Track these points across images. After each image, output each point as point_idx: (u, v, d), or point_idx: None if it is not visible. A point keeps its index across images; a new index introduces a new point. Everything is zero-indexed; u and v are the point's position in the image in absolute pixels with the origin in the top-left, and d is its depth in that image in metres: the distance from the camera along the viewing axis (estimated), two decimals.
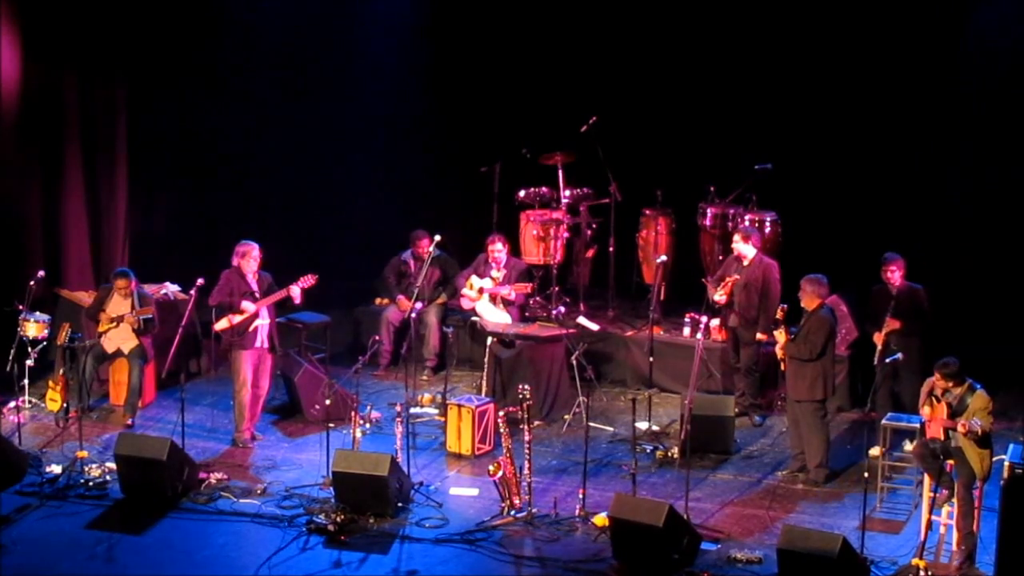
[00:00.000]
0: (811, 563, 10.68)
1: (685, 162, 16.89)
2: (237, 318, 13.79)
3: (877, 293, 13.90)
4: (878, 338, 13.58)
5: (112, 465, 12.87)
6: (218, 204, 18.17)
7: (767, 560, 11.32)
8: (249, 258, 13.89)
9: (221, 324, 13.94)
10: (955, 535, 11.59)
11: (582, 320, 15.90)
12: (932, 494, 11.63)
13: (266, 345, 13.95)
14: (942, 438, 11.51)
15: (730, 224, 15.80)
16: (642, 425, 14.26)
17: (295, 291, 13.85)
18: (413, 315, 14.98)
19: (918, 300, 13.67)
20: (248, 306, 13.75)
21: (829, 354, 12.90)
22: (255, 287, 13.89)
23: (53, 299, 16.02)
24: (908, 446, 12.91)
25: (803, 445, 13.12)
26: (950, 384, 11.44)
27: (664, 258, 15.22)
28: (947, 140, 16.18)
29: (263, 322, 13.87)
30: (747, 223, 15.40)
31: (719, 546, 11.74)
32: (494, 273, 15.68)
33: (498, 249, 15.67)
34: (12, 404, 14.37)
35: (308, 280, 13.93)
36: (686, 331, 15.64)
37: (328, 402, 13.41)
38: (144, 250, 17.29)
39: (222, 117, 17.85)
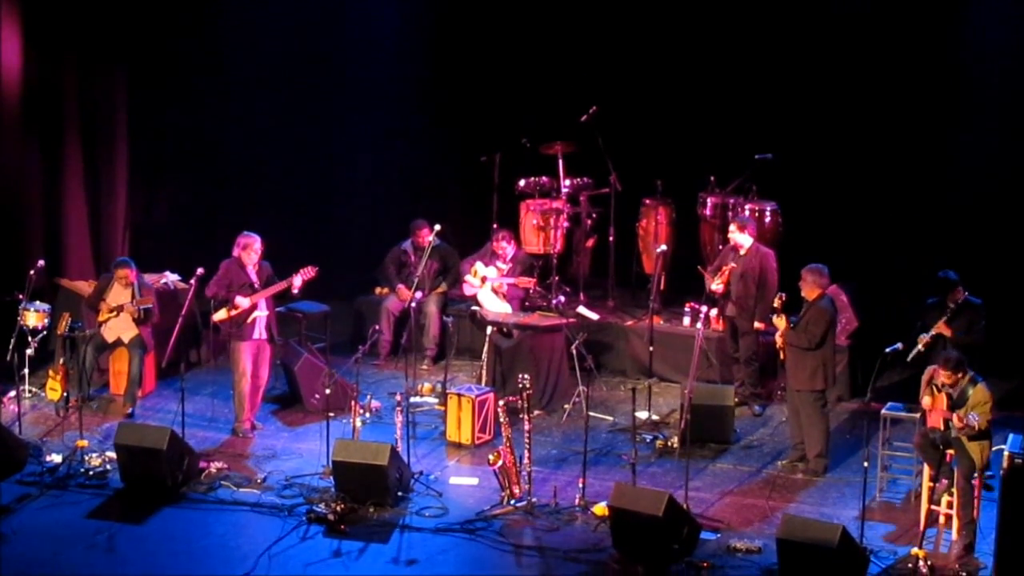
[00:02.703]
0: (811, 553, 10.69)
1: (685, 152, 16.86)
2: (236, 309, 13.79)
3: (933, 307, 13.32)
4: (923, 341, 13.04)
5: (112, 454, 12.88)
6: (218, 193, 18.16)
7: (767, 550, 11.33)
8: (251, 250, 13.87)
9: (219, 315, 13.93)
10: (955, 524, 11.61)
11: (582, 310, 15.91)
12: (932, 484, 11.64)
13: (264, 336, 13.94)
14: (942, 428, 11.53)
15: (730, 214, 15.78)
16: (642, 415, 14.27)
17: (295, 283, 13.85)
18: (413, 305, 14.99)
19: (976, 315, 13.14)
20: (242, 301, 13.73)
21: (829, 344, 12.90)
22: (254, 279, 13.88)
23: (53, 289, 16.04)
24: None
25: (803, 435, 13.12)
26: (954, 376, 11.44)
27: (664, 248, 15.23)
28: (948, 129, 16.14)
29: (261, 314, 13.86)
30: (747, 213, 15.42)
31: (719, 536, 11.76)
32: (500, 264, 15.69)
33: (503, 247, 15.68)
34: (12, 393, 14.38)
35: (308, 272, 13.91)
36: (686, 321, 15.64)
37: (328, 392, 13.40)
38: (144, 239, 17.30)
39: (222, 106, 17.82)
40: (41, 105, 16.35)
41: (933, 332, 13.04)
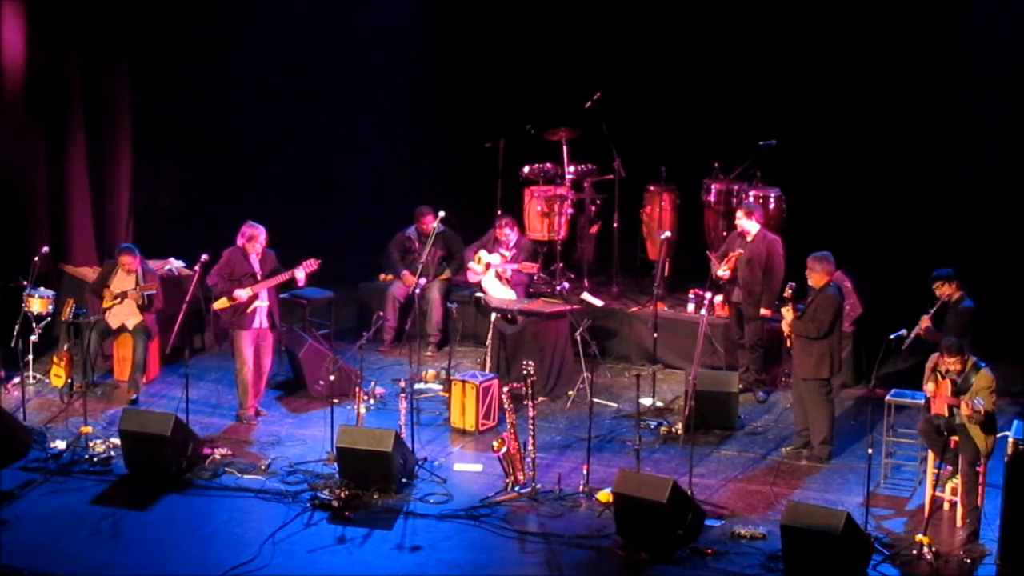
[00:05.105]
0: (815, 539, 10.69)
1: (689, 138, 16.84)
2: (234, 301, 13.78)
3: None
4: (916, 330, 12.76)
5: (116, 441, 12.89)
6: (222, 180, 18.16)
7: (771, 536, 11.31)
8: (256, 242, 13.84)
9: (219, 303, 13.93)
10: (959, 511, 11.61)
11: (586, 296, 15.90)
12: (936, 470, 11.63)
13: (265, 325, 13.93)
14: (946, 414, 11.52)
15: (734, 200, 15.80)
16: (646, 401, 14.26)
17: (298, 275, 13.84)
18: (417, 291, 14.98)
19: (956, 318, 12.65)
20: (240, 294, 13.71)
21: (836, 332, 12.88)
22: (257, 268, 13.86)
23: (57, 275, 16.04)
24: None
25: (807, 422, 13.11)
26: (957, 360, 11.41)
27: (668, 234, 15.21)
28: (953, 115, 16.12)
29: (262, 304, 13.85)
30: (751, 199, 15.40)
31: (723, 522, 11.75)
32: (503, 251, 15.68)
33: (505, 234, 15.67)
34: (16, 380, 14.40)
35: (311, 265, 13.90)
36: (690, 307, 15.62)
37: (332, 378, 13.39)
38: (148, 226, 17.32)
39: (226, 92, 17.83)
40: (45, 92, 16.35)
41: (921, 325, 12.80)
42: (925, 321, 12.63)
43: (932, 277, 12.80)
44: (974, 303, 12.61)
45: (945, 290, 12.63)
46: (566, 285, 16.25)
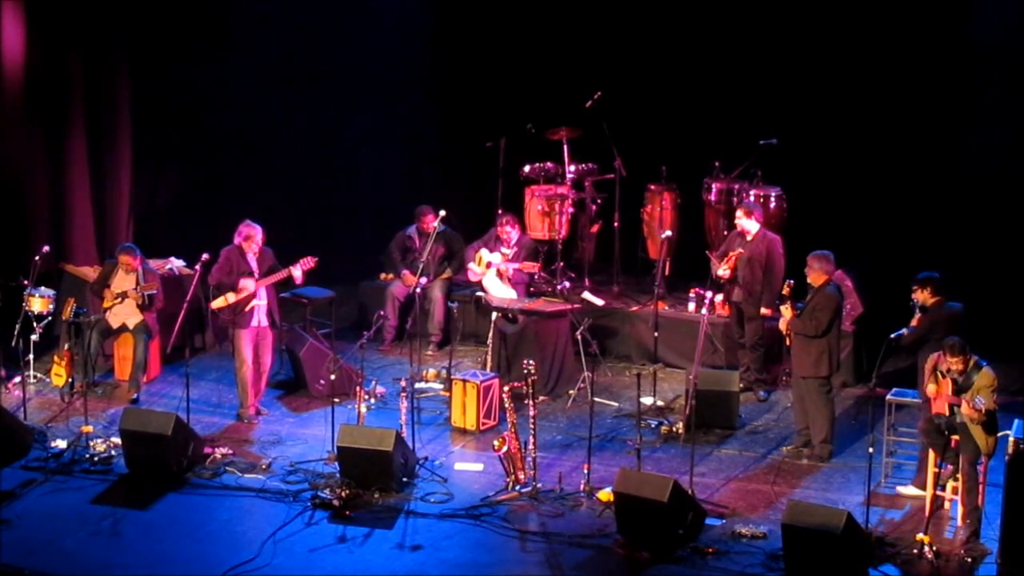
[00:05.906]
0: (816, 538, 10.68)
1: (690, 137, 16.84)
2: (233, 296, 13.77)
3: None
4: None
5: (117, 440, 12.89)
6: (222, 179, 18.18)
7: (772, 535, 11.31)
8: (252, 241, 13.86)
9: (218, 303, 13.94)
10: (960, 510, 11.60)
11: (587, 295, 15.91)
12: (937, 469, 11.63)
13: (264, 323, 13.94)
14: (947, 414, 11.51)
15: (735, 199, 15.80)
16: (647, 400, 14.26)
17: (295, 273, 13.84)
18: (418, 290, 14.99)
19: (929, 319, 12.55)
20: (248, 284, 13.73)
21: (835, 331, 12.87)
22: (255, 267, 13.87)
23: (58, 274, 16.04)
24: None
25: (808, 421, 13.11)
26: (960, 359, 11.38)
27: (669, 233, 15.22)
28: (954, 113, 16.11)
29: (260, 302, 13.85)
30: (751, 198, 15.40)
31: (724, 521, 11.75)
32: (504, 250, 15.68)
33: (507, 232, 15.67)
34: (17, 379, 14.40)
35: (308, 263, 13.89)
36: (691, 306, 15.63)
37: (333, 377, 13.39)
38: (149, 225, 17.32)
39: (226, 92, 17.84)
40: (45, 92, 16.36)
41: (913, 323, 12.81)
42: (915, 321, 12.61)
43: (914, 281, 12.66)
44: (955, 308, 12.51)
45: (919, 295, 12.53)
46: (567, 284, 16.26)
